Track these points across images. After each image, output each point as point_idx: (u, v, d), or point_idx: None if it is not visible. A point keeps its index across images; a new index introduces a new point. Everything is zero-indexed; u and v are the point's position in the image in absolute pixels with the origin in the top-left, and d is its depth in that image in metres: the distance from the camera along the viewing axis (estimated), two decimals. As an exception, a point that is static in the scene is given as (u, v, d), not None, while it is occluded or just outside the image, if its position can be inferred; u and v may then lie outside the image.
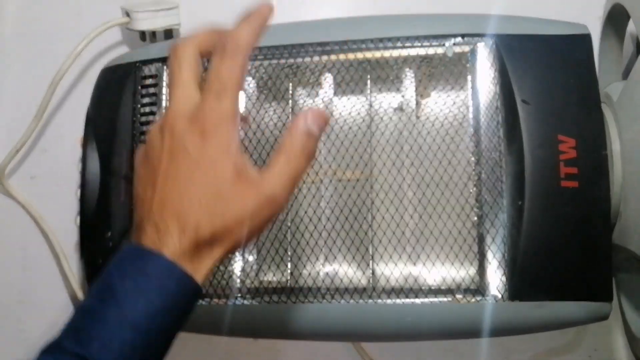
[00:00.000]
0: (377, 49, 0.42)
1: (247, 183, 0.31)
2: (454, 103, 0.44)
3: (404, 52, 0.42)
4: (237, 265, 0.44)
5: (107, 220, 0.44)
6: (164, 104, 0.43)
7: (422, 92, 0.45)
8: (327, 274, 0.42)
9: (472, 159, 0.42)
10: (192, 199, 0.30)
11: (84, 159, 0.45)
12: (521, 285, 0.39)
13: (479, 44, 0.42)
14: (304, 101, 0.46)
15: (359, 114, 0.45)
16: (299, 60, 0.43)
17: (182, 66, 0.33)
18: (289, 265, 0.43)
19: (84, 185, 0.45)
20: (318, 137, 0.32)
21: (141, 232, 0.31)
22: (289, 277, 0.43)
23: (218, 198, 0.30)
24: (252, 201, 0.31)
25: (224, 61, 0.31)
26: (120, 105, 0.45)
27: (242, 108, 0.45)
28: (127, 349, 0.29)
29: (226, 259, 0.34)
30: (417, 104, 0.44)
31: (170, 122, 0.31)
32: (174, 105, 0.32)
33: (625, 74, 0.49)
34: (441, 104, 0.44)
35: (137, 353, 0.29)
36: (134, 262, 0.30)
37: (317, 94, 0.45)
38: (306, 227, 0.42)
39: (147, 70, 0.45)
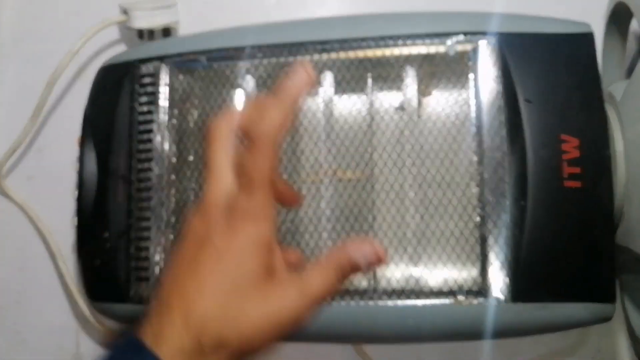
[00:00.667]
0: (378, 47, 0.42)
1: (274, 284, 0.29)
2: (456, 102, 0.43)
3: (405, 51, 0.42)
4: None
5: (105, 221, 0.43)
6: (161, 102, 0.43)
7: (423, 91, 0.44)
8: (327, 275, 0.42)
9: (474, 158, 0.41)
10: (206, 291, 0.28)
11: (81, 159, 0.45)
12: (524, 286, 0.38)
13: (481, 42, 0.41)
14: (304, 100, 0.46)
15: (359, 113, 0.44)
16: (299, 58, 0.43)
17: (215, 148, 0.31)
18: (289, 266, 0.42)
19: (81, 185, 0.44)
20: (361, 271, 0.30)
21: (147, 320, 0.29)
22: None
23: (237, 294, 0.28)
24: (275, 305, 0.28)
25: (252, 154, 0.30)
26: (118, 104, 0.45)
27: (240, 107, 0.45)
28: None
29: None
30: (419, 102, 0.44)
31: (205, 211, 0.30)
32: (208, 194, 0.31)
33: (629, 73, 0.49)
34: (443, 102, 0.44)
35: None
36: (129, 355, 0.28)
37: (317, 93, 0.45)
38: (306, 227, 0.42)
39: (145, 68, 0.45)
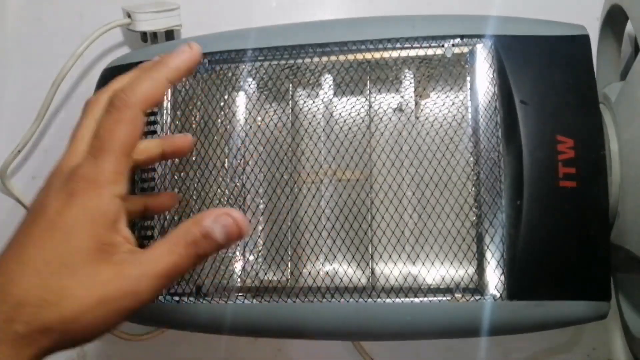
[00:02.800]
0: (377, 50, 0.42)
1: (109, 262, 0.25)
2: (453, 104, 0.44)
3: (403, 53, 0.42)
4: (237, 265, 0.45)
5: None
6: (164, 104, 0.44)
7: (421, 93, 0.45)
8: (327, 273, 0.42)
9: (471, 159, 0.42)
10: (28, 270, 0.25)
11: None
12: (520, 284, 0.39)
13: (477, 45, 0.42)
14: (304, 102, 0.46)
15: (358, 114, 0.45)
16: (299, 61, 0.43)
17: (83, 119, 0.29)
18: (289, 264, 0.43)
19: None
20: (219, 246, 0.27)
21: None
22: (289, 277, 0.43)
23: (63, 271, 0.25)
24: (108, 285, 0.25)
25: (108, 115, 0.27)
26: (122, 106, 0.45)
27: (242, 109, 0.46)
28: None
29: (56, 352, 0.26)
30: (417, 104, 0.44)
31: (48, 178, 0.28)
32: (60, 161, 0.28)
33: (624, 75, 0.49)
34: (440, 104, 0.44)
35: None
36: None
37: (317, 95, 0.45)
38: (306, 227, 0.42)
39: (148, 71, 0.45)
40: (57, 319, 0.24)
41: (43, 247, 0.25)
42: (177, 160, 0.45)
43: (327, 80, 0.45)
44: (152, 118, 0.45)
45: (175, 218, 0.44)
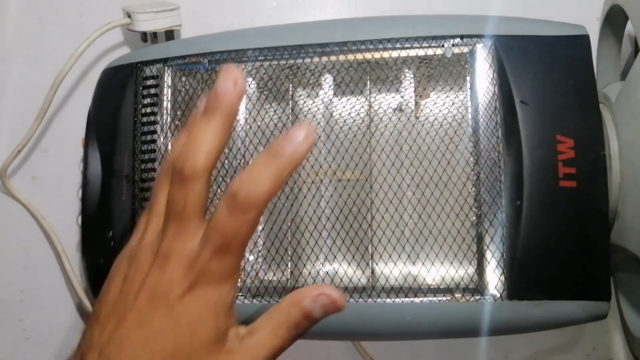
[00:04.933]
0: (377, 50, 0.42)
1: (223, 352, 0.27)
2: (453, 104, 0.44)
3: (403, 53, 0.42)
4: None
5: (109, 220, 0.44)
6: (164, 104, 0.44)
7: (421, 93, 0.45)
8: (327, 273, 0.42)
9: (471, 159, 0.42)
10: (156, 353, 0.26)
11: (85, 160, 0.45)
12: (520, 284, 0.39)
13: (477, 45, 0.42)
14: (304, 102, 0.46)
15: (358, 114, 0.45)
16: (299, 61, 0.43)
17: (193, 190, 0.27)
18: (289, 264, 0.43)
19: (85, 185, 0.45)
20: (316, 321, 0.28)
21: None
22: (289, 277, 0.43)
23: None
24: None
25: (233, 216, 0.26)
26: (122, 106, 0.45)
27: (242, 108, 0.46)
28: None
29: None
30: (417, 104, 0.44)
31: (165, 263, 0.27)
32: (172, 243, 0.27)
33: (624, 75, 0.49)
34: (440, 104, 0.44)
35: None
36: None
37: (317, 95, 0.45)
38: (306, 227, 0.42)
39: (148, 71, 0.45)
40: None
41: (165, 335, 0.26)
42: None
43: (327, 80, 0.45)
44: (152, 118, 0.45)
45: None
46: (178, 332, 0.26)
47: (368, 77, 0.45)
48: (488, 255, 0.40)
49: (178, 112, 0.45)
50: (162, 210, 0.28)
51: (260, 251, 0.45)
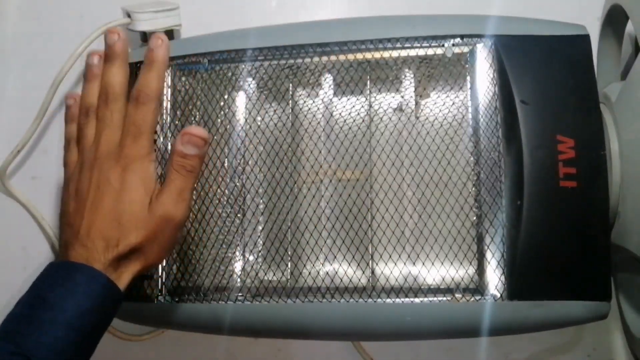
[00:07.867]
0: (377, 49, 0.42)
1: (151, 207, 0.38)
2: (453, 103, 0.44)
3: (404, 53, 0.42)
4: (237, 265, 0.45)
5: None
6: (164, 104, 0.44)
7: (421, 93, 0.45)
8: (327, 273, 0.42)
9: (471, 159, 0.42)
10: (114, 222, 0.37)
11: (85, 159, 0.45)
12: (520, 284, 0.39)
13: (478, 45, 0.42)
14: (304, 101, 0.46)
15: (358, 114, 0.45)
16: (299, 61, 0.43)
17: (114, 109, 0.40)
18: (289, 264, 0.43)
19: (85, 185, 0.45)
20: (198, 155, 0.39)
21: (69, 252, 0.37)
22: (289, 277, 0.43)
23: (134, 220, 0.38)
24: (153, 223, 0.38)
25: (138, 109, 0.40)
26: (121, 106, 0.45)
27: (242, 108, 0.46)
28: (60, 345, 0.33)
29: (145, 272, 0.40)
30: (417, 104, 0.44)
31: (97, 161, 0.39)
32: (101, 147, 0.39)
33: (624, 75, 0.49)
34: (440, 104, 0.44)
35: (69, 349, 0.33)
36: (63, 273, 0.35)
37: (317, 95, 0.45)
38: (306, 227, 0.42)
39: (148, 70, 0.45)
40: (137, 244, 0.38)
41: (117, 207, 0.38)
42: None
43: (327, 80, 0.45)
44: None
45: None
46: (123, 202, 0.38)
47: (368, 77, 0.45)
48: (488, 255, 0.40)
49: (178, 112, 0.45)
50: (116, 127, 0.40)
51: (260, 251, 0.45)
